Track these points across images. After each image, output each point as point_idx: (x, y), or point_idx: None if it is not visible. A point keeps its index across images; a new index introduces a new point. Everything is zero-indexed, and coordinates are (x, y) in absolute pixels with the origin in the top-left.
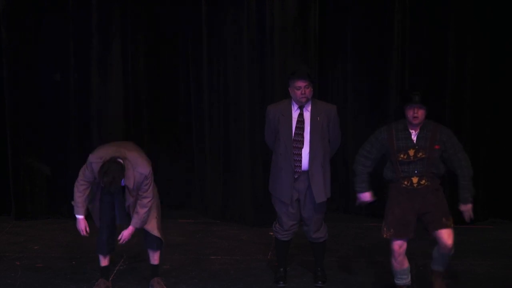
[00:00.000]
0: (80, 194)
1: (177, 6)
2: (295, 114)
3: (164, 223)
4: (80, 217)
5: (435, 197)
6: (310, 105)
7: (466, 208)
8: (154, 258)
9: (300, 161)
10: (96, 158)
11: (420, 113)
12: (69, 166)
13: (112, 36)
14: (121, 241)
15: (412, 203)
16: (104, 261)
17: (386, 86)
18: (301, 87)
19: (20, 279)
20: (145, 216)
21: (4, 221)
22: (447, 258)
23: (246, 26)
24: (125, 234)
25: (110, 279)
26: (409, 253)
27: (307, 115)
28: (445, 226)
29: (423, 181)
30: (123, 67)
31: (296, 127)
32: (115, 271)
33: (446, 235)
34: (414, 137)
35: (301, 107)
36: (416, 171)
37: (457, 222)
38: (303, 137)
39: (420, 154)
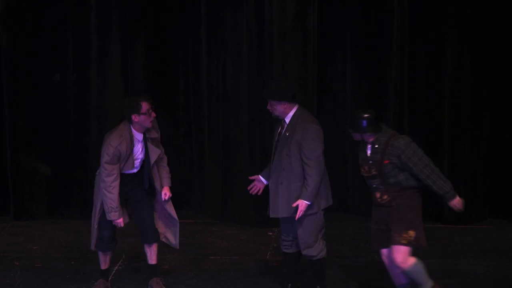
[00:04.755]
0: (115, 191)
1: (177, 6)
2: (279, 126)
3: None
4: (119, 220)
5: (397, 211)
6: (289, 119)
7: (452, 204)
8: (152, 258)
9: None
10: (115, 145)
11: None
12: (69, 165)
13: (112, 36)
14: (166, 197)
15: (380, 214)
16: (104, 264)
17: (385, 86)
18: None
19: (19, 279)
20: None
21: (3, 221)
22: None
23: (246, 26)
24: (168, 193)
25: (110, 279)
26: None
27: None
28: (394, 243)
29: (385, 196)
30: (123, 67)
31: (276, 139)
32: (114, 271)
33: (393, 252)
34: (368, 151)
35: (282, 119)
36: (374, 185)
37: (457, 222)
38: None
39: (373, 171)
